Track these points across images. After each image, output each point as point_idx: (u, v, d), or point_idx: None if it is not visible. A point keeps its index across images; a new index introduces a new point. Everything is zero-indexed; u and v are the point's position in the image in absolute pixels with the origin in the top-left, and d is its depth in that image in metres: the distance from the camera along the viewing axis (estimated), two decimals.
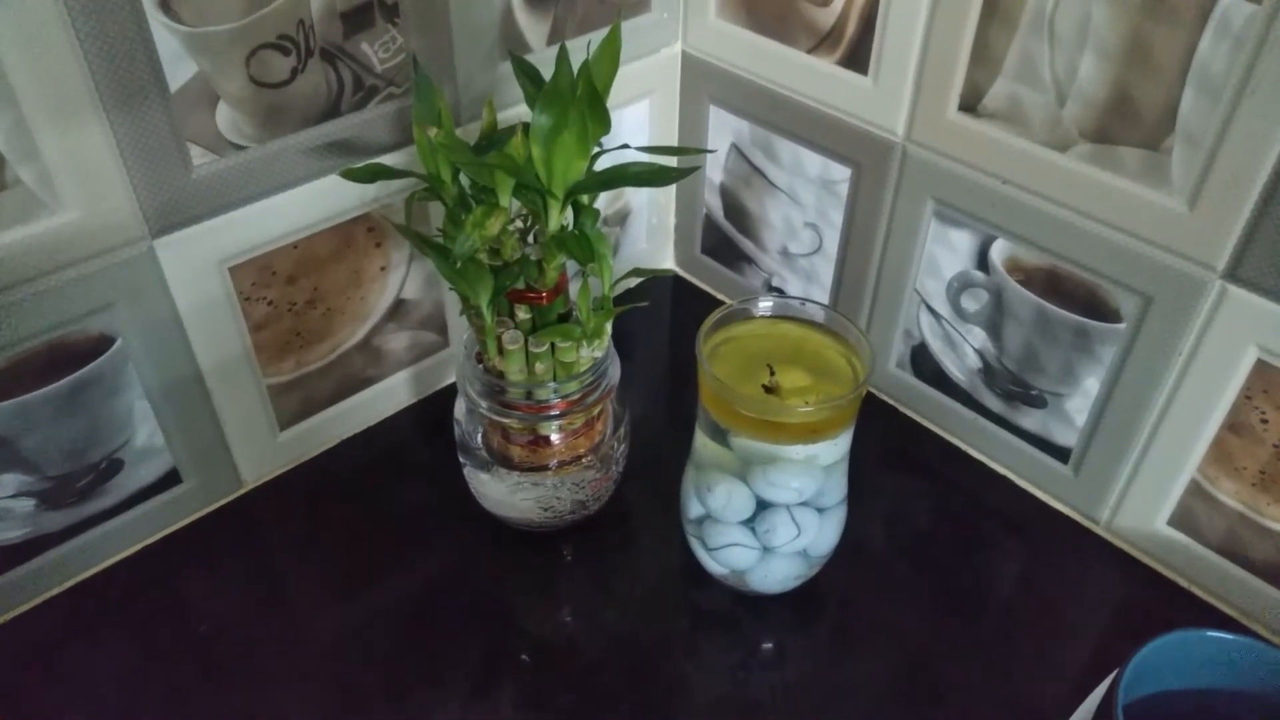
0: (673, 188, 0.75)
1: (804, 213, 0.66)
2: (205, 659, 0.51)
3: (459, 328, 0.66)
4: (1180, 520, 0.54)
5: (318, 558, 0.57)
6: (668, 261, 0.79)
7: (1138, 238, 0.49)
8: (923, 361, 0.64)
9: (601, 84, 0.46)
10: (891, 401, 0.67)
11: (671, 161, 0.48)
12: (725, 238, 0.73)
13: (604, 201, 0.68)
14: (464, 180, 0.49)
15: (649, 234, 0.76)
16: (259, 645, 0.52)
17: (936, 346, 0.62)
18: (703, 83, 0.68)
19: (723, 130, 0.69)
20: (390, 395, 0.65)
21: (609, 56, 0.46)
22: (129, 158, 0.46)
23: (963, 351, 0.61)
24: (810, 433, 0.46)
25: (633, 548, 0.59)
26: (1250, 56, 0.42)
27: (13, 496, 0.50)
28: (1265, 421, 0.48)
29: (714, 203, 0.73)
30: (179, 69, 0.46)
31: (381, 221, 0.57)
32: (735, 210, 0.71)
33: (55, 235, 0.45)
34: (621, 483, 0.59)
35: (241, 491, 0.60)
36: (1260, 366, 0.47)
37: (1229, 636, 0.39)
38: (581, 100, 0.44)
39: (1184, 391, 0.51)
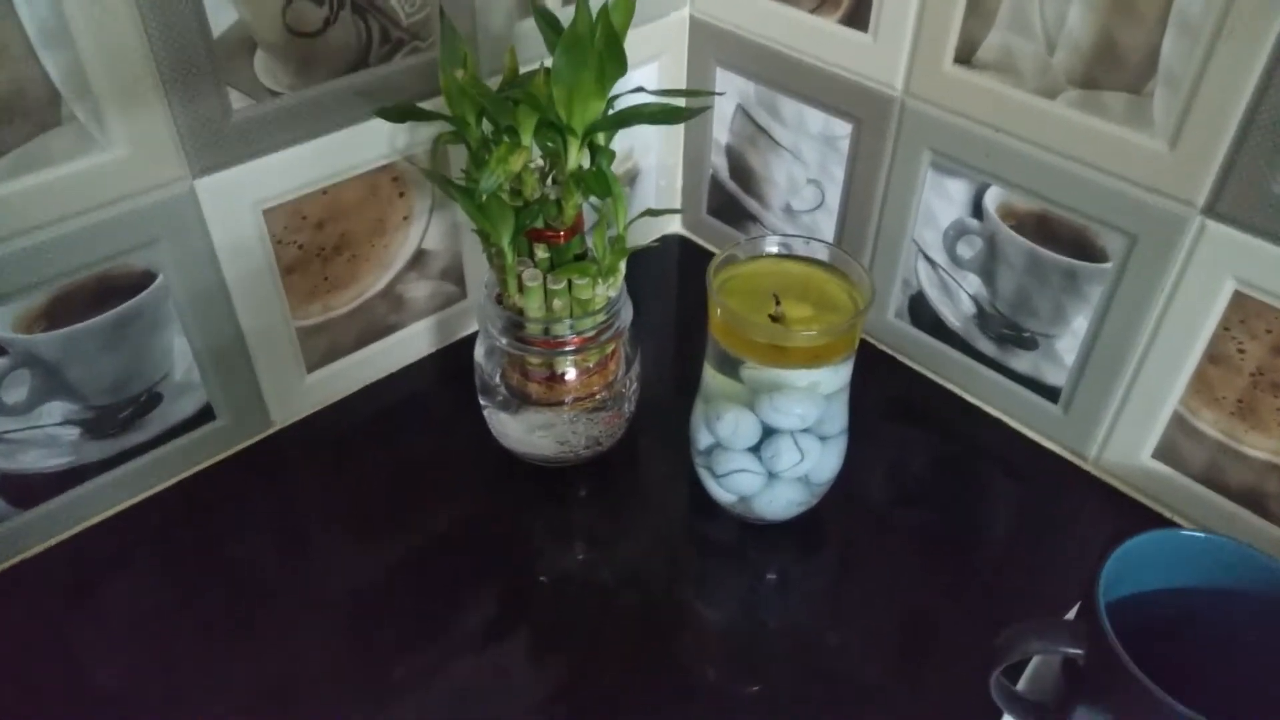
0: (680, 149, 0.77)
1: (807, 169, 0.69)
2: (235, 590, 0.53)
3: (476, 279, 0.68)
4: (1164, 453, 0.57)
5: (343, 495, 0.59)
6: (675, 223, 0.82)
7: (1122, 179, 0.52)
8: (920, 310, 0.67)
9: (619, 27, 0.48)
10: (891, 351, 0.70)
11: (682, 103, 0.51)
12: (730, 197, 0.76)
13: (615, 163, 0.71)
14: (486, 127, 0.52)
15: (657, 196, 0.79)
16: (287, 577, 0.55)
17: (933, 294, 0.65)
18: (709, 45, 0.70)
19: (729, 92, 0.71)
20: (412, 343, 0.67)
21: (625, 2, 0.49)
22: (174, 98, 0.48)
23: (958, 298, 0.64)
24: (813, 358, 0.49)
25: (643, 484, 0.61)
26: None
27: (59, 424, 0.53)
28: (1243, 351, 0.51)
29: (720, 163, 0.75)
30: (220, 16, 0.48)
31: (404, 172, 0.60)
32: (740, 170, 0.74)
33: (105, 170, 0.48)
34: (633, 425, 0.61)
35: (271, 431, 0.62)
36: (1238, 298, 0.50)
37: (1200, 535, 0.41)
38: (600, 43, 0.46)
39: (1167, 326, 0.53)
